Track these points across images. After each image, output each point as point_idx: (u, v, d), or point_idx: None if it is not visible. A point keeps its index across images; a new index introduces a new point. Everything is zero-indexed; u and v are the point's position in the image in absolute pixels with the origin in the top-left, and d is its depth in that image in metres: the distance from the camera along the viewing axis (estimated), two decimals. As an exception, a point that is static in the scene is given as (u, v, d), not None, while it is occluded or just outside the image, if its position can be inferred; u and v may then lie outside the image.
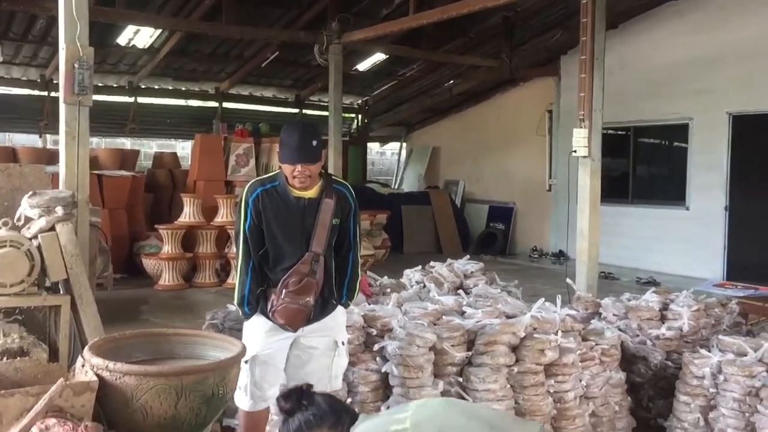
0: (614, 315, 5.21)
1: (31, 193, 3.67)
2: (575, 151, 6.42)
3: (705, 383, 4.12)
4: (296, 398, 2.40)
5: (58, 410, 2.44)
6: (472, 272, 6.03)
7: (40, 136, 13.73)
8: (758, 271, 9.83)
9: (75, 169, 4.13)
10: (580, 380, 4.10)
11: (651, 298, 5.31)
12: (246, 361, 3.30)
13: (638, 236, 11.34)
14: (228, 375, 2.83)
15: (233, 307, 4.98)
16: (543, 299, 4.29)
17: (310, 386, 2.49)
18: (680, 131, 10.97)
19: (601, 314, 5.36)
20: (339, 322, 3.54)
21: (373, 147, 17.50)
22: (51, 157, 9.73)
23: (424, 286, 5.62)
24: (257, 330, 3.42)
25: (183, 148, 15.89)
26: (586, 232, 6.53)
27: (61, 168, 4.18)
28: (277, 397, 2.49)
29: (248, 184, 3.43)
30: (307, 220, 3.35)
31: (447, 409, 2.34)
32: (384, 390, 3.94)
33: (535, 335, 4.02)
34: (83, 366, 2.74)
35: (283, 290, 3.29)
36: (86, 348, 2.83)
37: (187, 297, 8.39)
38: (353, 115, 16.33)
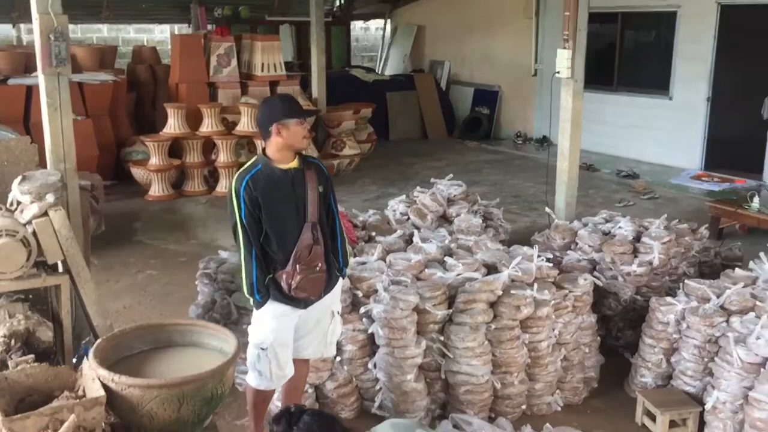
0: (589, 246, 5.46)
1: (20, 178, 3.74)
2: (558, 72, 6.40)
3: (669, 330, 4.42)
4: (286, 421, 2.58)
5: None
6: (454, 196, 6.24)
7: (14, 26, 13.37)
8: (735, 162, 10.10)
9: (60, 139, 4.19)
10: (553, 329, 4.38)
11: (626, 227, 5.54)
12: (264, 348, 3.50)
13: (621, 124, 11.44)
14: (225, 376, 3.06)
15: (225, 254, 5.17)
16: (520, 257, 4.47)
17: (298, 406, 2.68)
18: (668, 19, 10.81)
19: (577, 243, 5.62)
20: (335, 293, 3.75)
21: (356, 24, 17.09)
22: (28, 60, 9.53)
23: (408, 218, 5.83)
24: (270, 315, 3.54)
25: (161, 31, 15.52)
26: (566, 152, 6.62)
27: (47, 139, 4.24)
28: (267, 421, 2.68)
29: (235, 177, 3.53)
30: (298, 190, 3.50)
31: None
32: (370, 347, 4.22)
33: (512, 291, 4.25)
34: (89, 370, 2.97)
35: (297, 265, 3.43)
36: (91, 352, 3.04)
37: (178, 209, 8.53)
38: (336, -8, 15.86)
